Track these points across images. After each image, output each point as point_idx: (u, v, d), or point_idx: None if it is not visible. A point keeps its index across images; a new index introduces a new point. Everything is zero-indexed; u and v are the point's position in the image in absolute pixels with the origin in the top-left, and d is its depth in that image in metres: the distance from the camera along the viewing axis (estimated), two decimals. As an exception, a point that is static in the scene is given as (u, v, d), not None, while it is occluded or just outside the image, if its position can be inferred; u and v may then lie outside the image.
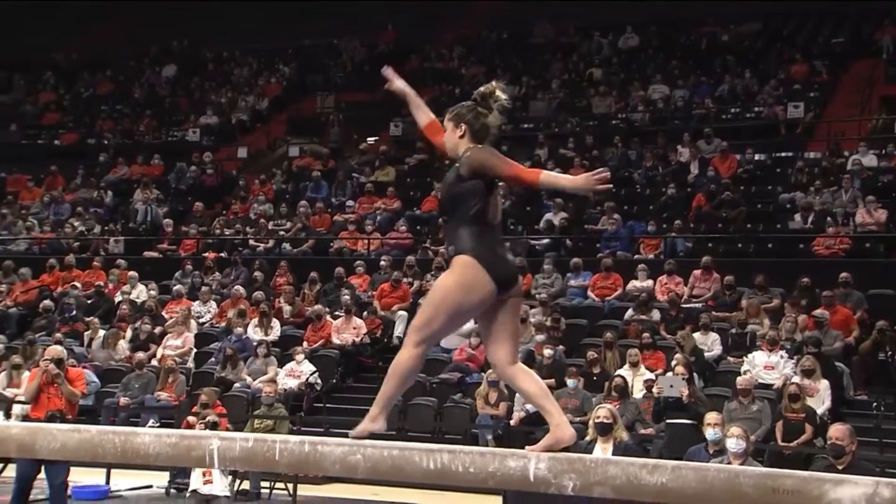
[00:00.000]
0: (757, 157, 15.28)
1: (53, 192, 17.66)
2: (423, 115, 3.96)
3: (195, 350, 12.65)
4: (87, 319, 13.23)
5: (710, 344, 11.16)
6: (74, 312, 13.45)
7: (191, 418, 8.99)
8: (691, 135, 15.55)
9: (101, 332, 12.86)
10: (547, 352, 11.00)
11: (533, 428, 10.26)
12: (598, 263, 13.06)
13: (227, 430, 8.51)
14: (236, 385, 11.59)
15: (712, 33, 19.04)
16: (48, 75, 23.06)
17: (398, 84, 3.98)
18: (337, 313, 12.73)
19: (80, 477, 8.43)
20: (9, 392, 11.05)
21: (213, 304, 13.57)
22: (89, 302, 13.89)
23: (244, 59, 22.44)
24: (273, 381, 11.03)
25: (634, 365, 10.51)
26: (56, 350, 8.32)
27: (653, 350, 10.91)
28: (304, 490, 9.37)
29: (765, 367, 10.41)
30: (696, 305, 12.10)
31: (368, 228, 15.00)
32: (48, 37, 23.54)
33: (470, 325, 12.08)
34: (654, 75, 17.90)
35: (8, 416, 9.84)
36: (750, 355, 10.59)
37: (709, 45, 18.80)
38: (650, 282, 12.57)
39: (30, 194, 17.82)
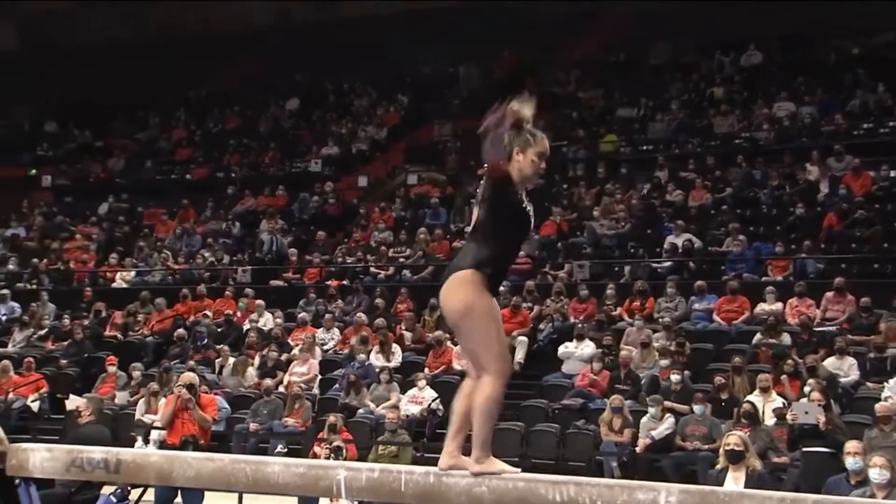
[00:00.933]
0: (893, 173, 14.59)
1: (185, 225, 18.41)
2: None
3: (320, 377, 12.90)
4: (218, 347, 13.68)
5: (847, 369, 10.68)
6: (206, 340, 13.93)
7: (317, 448, 9.14)
8: (820, 152, 15.00)
9: (231, 360, 13.27)
10: (674, 377, 10.74)
11: (659, 455, 10.05)
12: (723, 286, 12.70)
13: (354, 455, 8.62)
14: (360, 411, 11.75)
15: (841, 46, 18.35)
16: (180, 112, 24.13)
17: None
18: (457, 340, 12.77)
19: (214, 501, 8.67)
20: (147, 418, 11.53)
21: (337, 331, 13.83)
22: (219, 330, 14.37)
23: (363, 90, 22.94)
24: (396, 407, 11.14)
25: (765, 391, 10.14)
26: (189, 377, 8.66)
27: (786, 376, 10.49)
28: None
29: (907, 393, 9.87)
30: (830, 329, 11.61)
31: (487, 254, 14.98)
32: (180, 76, 24.68)
33: (592, 350, 11.96)
34: (779, 92, 17.37)
35: (146, 441, 10.24)
36: (891, 381, 10.07)
37: (838, 58, 18.13)
38: (779, 305, 12.14)
39: (164, 227, 18.61)
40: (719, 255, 13.75)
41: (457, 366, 12.37)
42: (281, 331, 13.88)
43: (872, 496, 5.82)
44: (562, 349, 12.32)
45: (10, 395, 13.33)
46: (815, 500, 3.11)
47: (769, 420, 9.81)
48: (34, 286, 17.50)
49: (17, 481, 4.50)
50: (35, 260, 18.12)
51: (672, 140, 17.39)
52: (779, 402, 9.97)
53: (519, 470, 3.59)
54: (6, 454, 7.08)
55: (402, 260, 15.66)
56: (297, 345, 13.36)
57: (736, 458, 6.66)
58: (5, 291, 16.70)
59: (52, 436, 11.04)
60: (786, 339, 11.43)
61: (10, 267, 18.18)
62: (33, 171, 22.78)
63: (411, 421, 11.29)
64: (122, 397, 12.82)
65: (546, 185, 17.09)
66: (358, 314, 13.74)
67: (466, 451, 3.69)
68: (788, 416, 9.39)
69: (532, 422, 11.14)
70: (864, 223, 13.20)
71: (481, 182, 3.75)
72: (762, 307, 12.18)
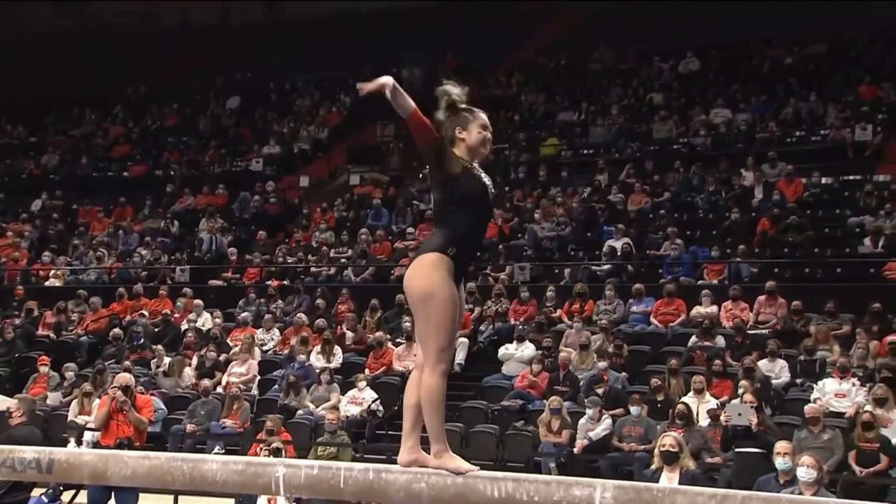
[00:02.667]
0: (824, 180, 15.02)
1: (122, 223, 18.10)
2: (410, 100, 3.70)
3: (259, 377, 12.79)
4: (154, 347, 13.48)
5: (778, 371, 10.93)
6: (143, 340, 13.71)
7: (256, 450, 9.07)
8: (755, 159, 15.34)
9: (167, 360, 13.09)
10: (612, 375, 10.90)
11: (596, 456, 10.17)
12: (660, 289, 12.91)
13: (293, 456, 8.57)
14: (299, 412, 11.68)
15: (776, 56, 18.80)
16: (118, 109, 23.71)
17: (370, 86, 3.66)
18: (398, 340, 12.78)
19: (148, 503, 8.54)
20: (80, 419, 11.30)
21: (277, 331, 13.72)
22: (157, 330, 14.16)
23: (306, 90, 22.81)
24: (336, 408, 11.09)
25: (699, 392, 10.34)
26: (124, 378, 8.51)
27: (720, 377, 10.72)
28: (367, 518, 9.35)
29: (836, 394, 10.16)
30: (763, 332, 11.88)
31: (429, 256, 15.02)
32: (117, 72, 24.25)
33: (531, 352, 12.06)
34: (716, 99, 17.73)
35: (79, 443, 10.04)
36: (820, 383, 10.36)
37: (772, 67, 18.57)
38: (714, 308, 12.39)
39: (100, 225, 18.28)
40: (657, 258, 13.97)
41: (398, 367, 12.37)
42: (220, 331, 13.72)
43: (800, 494, 5.97)
44: (502, 350, 12.40)
45: (-63, 396, 12.96)
46: (744, 496, 3.19)
47: (703, 421, 10.00)
48: (-37, 284, 17.06)
49: (-56, 482, 4.39)
50: (-36, 257, 17.65)
51: (612, 144, 17.63)
52: (713, 403, 10.17)
53: (477, 468, 3.56)
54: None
55: (343, 260, 15.61)
56: (236, 345, 13.24)
57: (671, 458, 6.78)
58: (-68, 289, 16.25)
59: (-19, 437, 10.75)
60: (720, 341, 11.66)
61: (-62, 264, 17.68)
62: (-36, 167, 22.19)
63: (351, 422, 11.26)
64: (54, 398, 12.55)
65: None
66: (298, 314, 13.66)
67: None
68: (722, 418, 9.58)
69: (472, 423, 11.19)
70: (796, 228, 13.54)
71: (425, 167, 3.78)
72: (698, 310, 12.41)
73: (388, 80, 3.58)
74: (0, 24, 26.18)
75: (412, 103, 3.59)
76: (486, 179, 3.74)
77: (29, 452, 4.12)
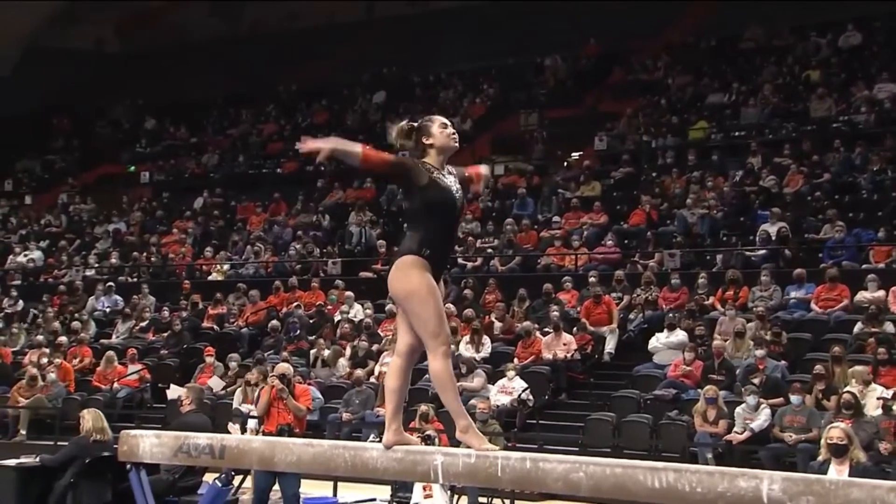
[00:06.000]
0: None
1: (277, 218, 18.78)
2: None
3: (410, 367, 12.99)
4: (311, 338, 13.92)
5: (955, 359, 10.27)
6: (299, 332, 14.20)
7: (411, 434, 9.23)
8: (924, 134, 14.44)
9: (326, 351, 13.49)
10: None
11: (755, 446, 9.84)
12: (821, 274, 12.35)
13: (447, 445, 8.68)
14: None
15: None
16: (270, 108, 24.61)
17: (308, 146, 3.98)
18: (546, 329, 12.74)
19: (309, 489, 8.86)
20: (244, 408, 11.82)
21: (426, 321, 13.89)
22: (312, 321, 14.62)
23: (450, 82, 23.00)
24: (486, 397, 11.16)
25: (866, 381, 9.83)
26: (283, 367, 8.84)
27: (888, 366, 10.16)
28: (521, 506, 9.39)
29: None
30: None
31: (575, 244, 14.92)
32: (269, 72, 25.17)
33: (684, 340, 11.77)
34: (880, 74, 16.75)
35: (243, 430, 10.49)
36: None
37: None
38: (882, 292, 11.74)
39: (257, 220, 19.03)
40: (817, 242, 13.37)
41: (547, 355, 12.34)
42: (371, 321, 14.05)
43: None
44: (653, 340, 12.16)
45: (116, 385, 13.84)
46: (926, 490, 3.00)
47: (872, 410, 9.51)
48: (135, 279, 18.14)
49: (128, 467, 4.67)
50: (135, 254, 18.75)
51: (765, 125, 16.96)
52: (881, 392, 9.66)
53: (498, 447, 3.82)
54: (108, 442, 7.38)
55: (489, 250, 15.67)
56: (387, 335, 13.51)
57: (840, 452, 6.48)
58: (110, 284, 17.35)
59: (155, 424, 11.43)
60: (889, 328, 11.06)
61: (113, 261, 18.86)
62: (132, 168, 23.58)
63: (501, 411, 11.31)
64: (218, 386, 13.17)
65: (635, 174, 16.90)
66: (446, 304, 13.80)
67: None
68: (895, 408, 9.09)
69: (624, 412, 11.04)
70: (971, 207, 12.67)
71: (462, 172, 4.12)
72: (863, 295, 11.80)
73: (324, 145, 3.92)
74: (159, 29, 27.66)
75: (359, 149, 3.92)
76: (453, 185, 4.00)
77: (202, 439, 4.34)
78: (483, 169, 4.31)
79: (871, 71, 17.14)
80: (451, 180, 4.01)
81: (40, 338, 15.39)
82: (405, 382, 4.04)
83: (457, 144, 4.05)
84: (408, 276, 3.87)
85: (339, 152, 3.91)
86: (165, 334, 15.25)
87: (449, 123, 4.06)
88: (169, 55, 26.97)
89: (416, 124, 4.06)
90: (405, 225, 4.13)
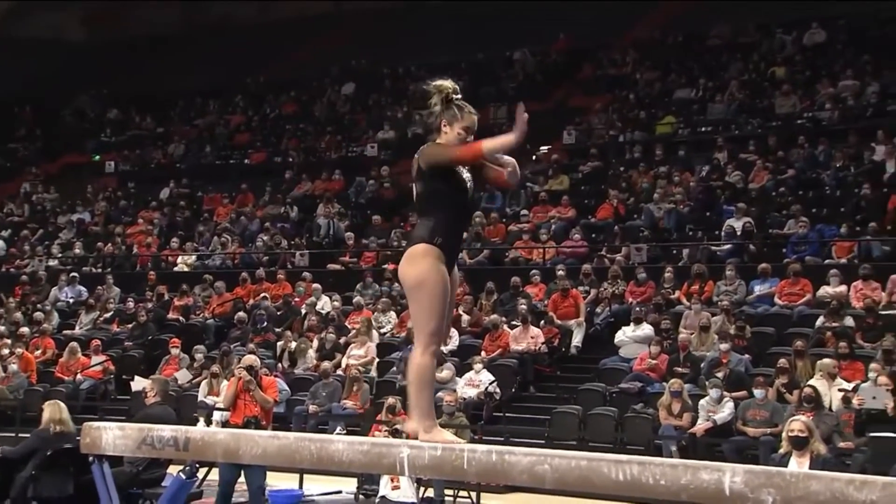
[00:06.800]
0: (963, 152, 14.20)
1: (244, 209, 18.66)
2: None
3: (377, 359, 13.01)
4: (278, 330, 13.86)
5: (914, 353, 10.43)
6: (266, 323, 14.13)
7: (376, 432, 9.22)
8: (887, 131, 14.63)
9: (293, 343, 13.44)
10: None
11: (719, 439, 9.96)
12: (784, 269, 12.50)
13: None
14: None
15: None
16: (238, 99, 24.43)
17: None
18: (514, 322, 12.78)
19: (275, 481, 8.83)
20: (209, 399, 11.75)
21: (394, 314, 13.91)
22: (279, 313, 14.56)
23: (419, 75, 22.95)
24: (453, 390, 11.18)
25: (829, 375, 9.98)
26: (249, 359, 8.79)
27: (849, 360, 10.31)
28: (487, 499, 9.43)
29: (977, 378, 9.63)
30: (897, 312, 11.36)
31: (543, 237, 14.98)
32: (237, 63, 24.97)
33: (650, 333, 11.87)
34: (844, 71, 16.96)
35: (208, 422, 10.43)
36: (959, 366, 9.83)
37: (904, 35, 17.65)
38: (843, 288, 11.91)
39: (224, 211, 18.90)
40: (781, 237, 13.53)
41: (514, 348, 12.38)
42: (338, 314, 14.01)
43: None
44: (619, 333, 12.25)
45: (79, 377, 13.70)
46: (885, 482, 3.05)
47: (834, 404, 9.65)
48: (99, 270, 17.94)
49: (90, 459, 4.62)
50: (100, 244, 18.55)
51: (731, 121, 17.12)
52: (842, 386, 9.80)
53: (464, 441, 3.79)
54: (70, 434, 7.30)
55: (458, 243, 15.66)
56: (354, 328, 13.49)
57: (800, 444, 6.57)
58: (74, 275, 17.14)
59: (118, 416, 11.32)
60: (849, 322, 11.22)
61: (77, 251, 18.64)
62: (97, 158, 23.31)
63: (468, 404, 11.33)
64: (184, 378, 13.08)
65: (603, 168, 16.99)
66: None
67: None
68: (855, 401, 9.23)
69: (590, 405, 11.11)
70: (932, 204, 12.88)
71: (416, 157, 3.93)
72: (825, 290, 11.97)
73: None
74: (127, 20, 27.33)
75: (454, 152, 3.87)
76: (464, 173, 3.92)
77: (167, 431, 4.31)
78: (512, 160, 4.09)
79: (834, 68, 17.35)
80: (465, 171, 3.93)
81: (2, 328, 15.20)
82: (426, 371, 3.87)
83: None
84: (419, 265, 3.77)
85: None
86: (130, 325, 15.11)
87: (472, 132, 3.94)
88: (136, 46, 26.67)
89: (457, 99, 3.92)
90: (417, 212, 3.99)
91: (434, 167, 3.85)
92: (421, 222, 3.88)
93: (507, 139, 3.85)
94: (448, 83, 3.91)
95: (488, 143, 3.86)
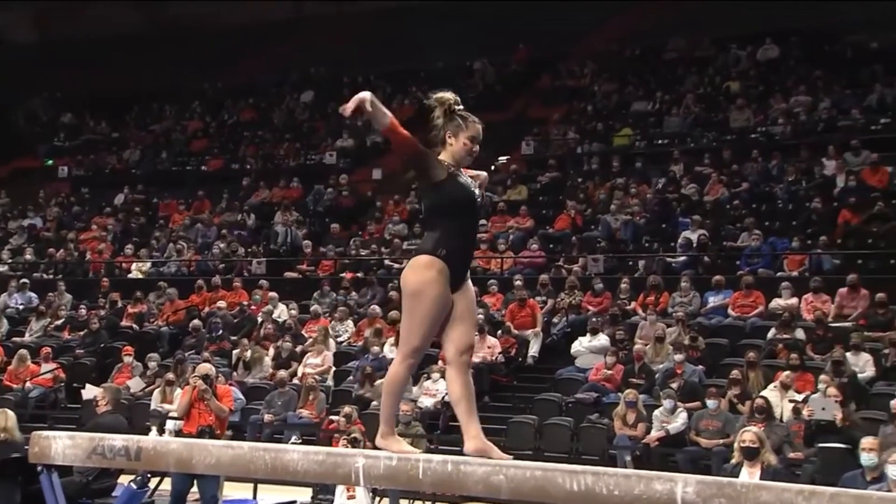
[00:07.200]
0: (910, 168, 14.52)
1: (201, 216, 18.48)
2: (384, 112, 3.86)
3: (334, 368, 12.94)
4: (234, 339, 13.73)
5: (863, 365, 10.64)
6: (221, 332, 14.00)
7: (336, 435, 9.17)
8: (837, 147, 14.93)
9: (248, 352, 13.32)
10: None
11: (673, 449, 10.05)
12: (738, 281, 12.67)
13: (368, 447, 8.65)
14: (373, 403, 11.78)
15: (859, 41, 18.23)
16: (195, 105, 24.21)
17: (350, 105, 3.83)
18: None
19: (228, 491, 8.73)
20: (162, 408, 11.60)
21: (351, 323, 13.86)
22: (235, 321, 14.43)
23: (378, 83, 22.94)
24: (410, 399, 11.16)
25: (781, 386, 10.13)
26: (205, 367, 8.70)
27: (800, 371, 10.48)
28: (442, 509, 9.41)
29: (923, 389, 9.84)
30: (846, 325, 11.57)
31: (501, 247, 15.04)
32: (195, 69, 24.76)
33: (606, 344, 11.96)
34: (797, 87, 17.28)
35: (161, 431, 10.30)
36: (906, 377, 10.04)
37: (855, 53, 18.02)
38: (795, 300, 12.11)
39: (180, 218, 18.70)
40: (734, 249, 13.72)
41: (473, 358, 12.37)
42: (295, 322, 13.93)
43: (890, 492, 5.80)
44: (575, 344, 12.32)
45: (28, 384, 13.44)
46: (833, 492, 3.11)
47: (785, 415, 9.79)
48: (51, 276, 17.64)
49: (39, 468, 4.54)
50: (52, 250, 18.25)
51: (687, 134, 17.35)
52: (793, 397, 9.95)
53: (419, 451, 3.82)
54: (17, 443, 7.16)
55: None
56: (311, 336, 13.41)
57: (751, 454, 6.66)
58: (24, 281, 16.84)
59: (69, 425, 11.14)
60: (800, 334, 11.40)
61: (28, 257, 18.33)
62: (50, 162, 22.95)
63: (425, 413, 11.32)
64: (137, 386, 12.90)
65: (561, 179, 17.11)
66: (372, 306, 13.78)
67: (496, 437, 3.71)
68: (805, 412, 9.38)
69: (545, 415, 11.16)
70: (880, 218, 13.14)
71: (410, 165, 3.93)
72: (777, 302, 12.15)
73: (366, 94, 3.74)
74: (81, 21, 26.95)
75: (389, 117, 3.76)
76: (472, 184, 3.89)
77: (118, 440, 4.24)
78: (484, 174, 4.09)
79: (787, 84, 17.66)
80: (467, 179, 3.90)
81: (-51, 335, 14.88)
82: (465, 387, 3.81)
83: (468, 164, 3.92)
84: (421, 276, 3.75)
85: (374, 108, 3.71)
86: (82, 333, 14.87)
87: (477, 142, 3.89)
88: (90, 48, 26.30)
89: (459, 109, 3.89)
90: (423, 225, 4.02)
91: (427, 181, 3.83)
92: (426, 235, 3.88)
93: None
94: (449, 95, 3.90)
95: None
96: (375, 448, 3.89)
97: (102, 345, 14.47)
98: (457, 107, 3.88)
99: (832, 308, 11.89)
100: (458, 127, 3.87)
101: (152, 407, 12.01)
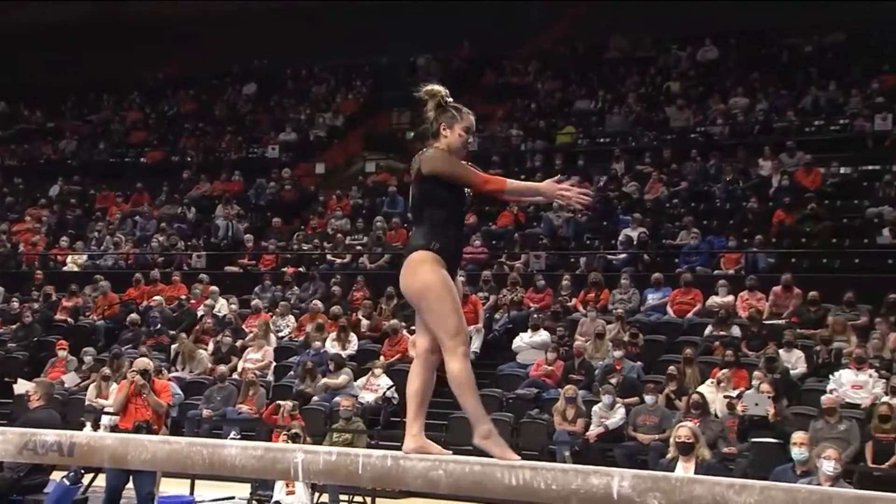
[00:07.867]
0: (842, 170, 14.89)
1: (139, 209, 18.18)
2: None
3: (275, 363, 12.84)
4: (172, 333, 13.54)
5: (795, 362, 10.90)
6: (159, 326, 13.79)
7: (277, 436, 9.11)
8: (773, 148, 15.25)
9: (185, 346, 13.14)
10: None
11: (611, 444, 10.18)
12: (676, 279, 12.88)
13: (307, 442, 8.61)
14: (314, 398, 11.73)
15: (795, 45, 18.65)
16: (134, 95, 23.78)
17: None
18: (413, 327, 12.76)
19: (165, 487, 8.61)
20: (97, 403, 11.39)
21: (292, 318, 13.77)
22: (173, 315, 14.23)
23: (322, 77, 22.80)
24: (351, 394, 11.13)
25: (716, 382, 10.32)
26: (143, 362, 8.56)
27: (735, 367, 10.69)
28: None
29: (852, 385, 10.13)
30: (779, 322, 11.84)
31: (444, 243, 15.04)
32: (134, 59, 24.30)
33: (546, 340, 12.06)
34: (734, 88, 17.61)
35: (96, 426, 10.11)
36: (836, 373, 10.31)
37: (791, 56, 18.43)
38: (731, 298, 12.35)
39: (118, 210, 18.37)
40: (673, 247, 13.93)
41: (412, 354, 12.37)
42: (235, 317, 13.79)
43: (819, 486, 5.96)
44: (517, 339, 12.40)
45: (-43, 379, 13.11)
46: (763, 486, 3.17)
47: (720, 411, 9.98)
48: (-18, 268, 17.21)
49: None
50: (-17, 242, 17.79)
51: (629, 133, 17.56)
52: (730, 393, 10.15)
53: (519, 458, 3.59)
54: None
55: (358, 248, 15.63)
56: (251, 331, 13.29)
57: (686, 449, 6.77)
58: (-47, 273, 16.40)
59: (-1, 420, 10.88)
60: (736, 331, 11.63)
61: (-42, 249, 17.83)
62: (-19, 152, 22.34)
63: (366, 409, 11.30)
64: (71, 381, 12.65)
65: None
66: (314, 301, 13.70)
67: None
68: (739, 407, 9.57)
69: (487, 411, 11.14)
70: (814, 219, 13.46)
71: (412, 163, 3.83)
72: (714, 300, 12.38)
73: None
74: (16, 9, 26.25)
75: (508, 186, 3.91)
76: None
77: (50, 435, 4.16)
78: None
79: (726, 85, 17.98)
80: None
81: None
82: (423, 385, 3.83)
83: (464, 155, 3.86)
84: (420, 273, 3.65)
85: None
86: (14, 326, 14.52)
87: (472, 132, 3.86)
88: (25, 36, 25.65)
89: (450, 102, 3.82)
90: (411, 219, 3.85)
91: (440, 176, 3.73)
92: (416, 230, 3.78)
93: (534, 189, 3.97)
94: (439, 87, 3.84)
95: (512, 185, 3.86)
96: (441, 448, 3.76)
97: (35, 339, 14.16)
98: (448, 99, 3.83)
99: (766, 306, 12.14)
100: (453, 118, 3.81)
101: (87, 402, 11.79)
